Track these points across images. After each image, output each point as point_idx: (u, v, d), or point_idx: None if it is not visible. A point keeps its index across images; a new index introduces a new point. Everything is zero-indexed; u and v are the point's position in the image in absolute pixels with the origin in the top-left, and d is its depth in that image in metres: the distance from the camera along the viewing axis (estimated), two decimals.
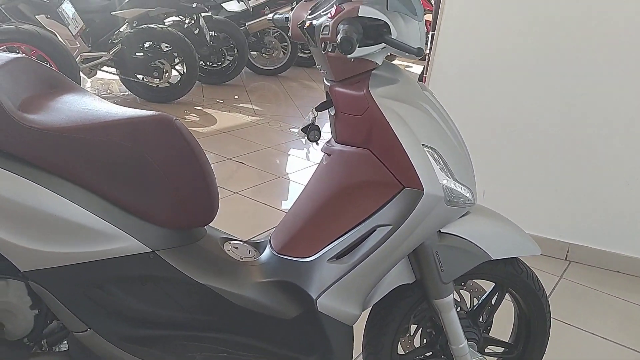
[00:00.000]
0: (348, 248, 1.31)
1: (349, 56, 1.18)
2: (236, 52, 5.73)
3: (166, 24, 5.01)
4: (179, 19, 5.20)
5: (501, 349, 1.67)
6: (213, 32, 5.52)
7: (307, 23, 1.30)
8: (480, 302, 1.57)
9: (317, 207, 1.36)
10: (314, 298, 1.32)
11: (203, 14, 5.09)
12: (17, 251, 1.22)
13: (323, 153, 1.43)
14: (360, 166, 1.29)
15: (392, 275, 1.38)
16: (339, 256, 1.32)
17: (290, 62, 6.72)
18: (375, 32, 1.17)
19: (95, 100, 1.39)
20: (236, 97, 5.55)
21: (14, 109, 1.20)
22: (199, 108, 4.96)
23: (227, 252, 1.47)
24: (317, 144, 1.41)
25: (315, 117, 1.36)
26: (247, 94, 5.76)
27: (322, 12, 1.29)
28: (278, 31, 6.45)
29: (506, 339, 1.68)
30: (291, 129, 4.66)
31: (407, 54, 1.16)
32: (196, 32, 5.12)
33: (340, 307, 1.33)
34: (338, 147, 1.36)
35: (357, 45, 1.13)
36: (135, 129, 1.26)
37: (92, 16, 4.43)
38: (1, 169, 1.18)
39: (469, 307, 1.62)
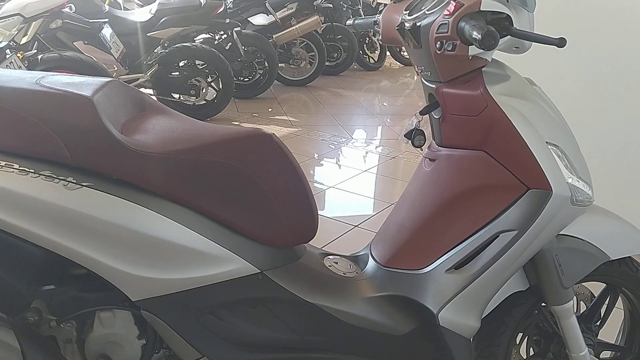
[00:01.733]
0: (468, 257, 1.25)
1: (470, 54, 1.13)
2: (266, 64, 5.70)
3: (196, 41, 5.01)
4: (209, 35, 5.20)
5: (612, 353, 1.59)
6: (243, 47, 5.51)
7: (409, 24, 1.25)
8: (592, 305, 1.50)
9: (426, 215, 1.30)
10: (435, 312, 1.26)
11: (235, 29, 5.08)
12: (129, 280, 1.18)
13: (424, 158, 1.38)
14: (476, 170, 1.23)
15: (507, 283, 1.32)
16: (457, 266, 1.26)
17: (318, 72, 6.69)
18: (498, 25, 1.12)
19: (187, 120, 1.36)
20: (270, 109, 5.52)
21: (120, 134, 1.16)
22: (237, 123, 4.94)
23: (329, 268, 1.41)
24: (422, 149, 1.35)
25: (419, 121, 1.31)
26: (280, 105, 5.73)
27: (428, 10, 1.24)
28: (305, 41, 6.43)
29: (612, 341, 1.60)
30: (329, 138, 4.62)
31: (542, 44, 1.09)
32: (227, 47, 5.11)
33: (462, 319, 1.27)
34: (445, 151, 1.30)
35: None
36: (237, 146, 1.22)
37: (129, 39, 4.44)
38: (113, 195, 1.14)
39: (576, 311, 1.54)
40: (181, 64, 4.69)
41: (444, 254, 1.27)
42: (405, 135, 1.32)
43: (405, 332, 1.32)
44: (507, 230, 1.22)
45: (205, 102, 4.83)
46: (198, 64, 4.76)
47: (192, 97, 4.75)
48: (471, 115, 1.21)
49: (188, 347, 1.25)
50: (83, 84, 1.22)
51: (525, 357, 1.52)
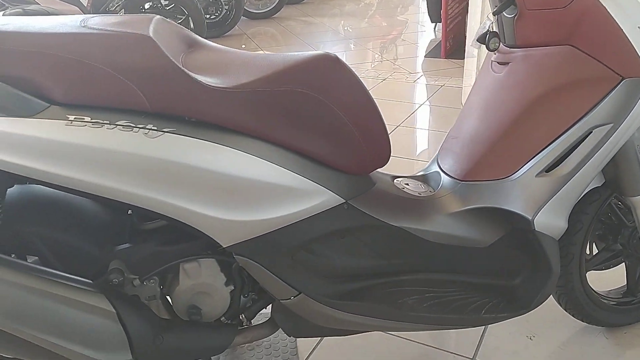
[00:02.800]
0: (558, 158, 1.23)
1: None
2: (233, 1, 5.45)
3: None
4: None
5: None
6: None
7: None
8: None
9: (506, 121, 1.26)
10: (530, 218, 1.24)
11: None
12: (220, 226, 1.11)
13: (492, 63, 1.32)
14: (562, 66, 1.19)
15: None
16: (548, 169, 1.24)
17: (283, 2, 6.45)
18: None
19: (240, 52, 1.26)
20: (243, 46, 5.32)
21: (192, 73, 1.07)
22: None
23: (403, 190, 1.38)
24: (496, 53, 1.30)
25: (492, 23, 1.25)
26: (251, 40, 5.53)
27: None
28: None
29: None
30: None
31: None
32: None
33: (554, 222, 1.26)
34: (520, 52, 1.25)
35: None
36: (307, 73, 1.14)
37: None
38: (196, 139, 1.06)
39: None
40: (147, 6, 4.44)
41: (532, 158, 1.24)
42: (478, 40, 1.26)
43: (491, 243, 1.31)
44: (600, 125, 1.19)
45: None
46: (164, 5, 4.51)
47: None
48: (557, 8, 1.15)
49: (284, 286, 1.21)
50: (131, 23, 1.10)
51: (595, 253, 1.54)
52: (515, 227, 1.28)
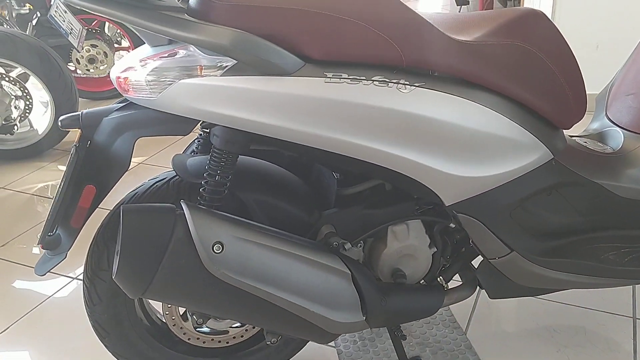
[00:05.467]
0: None
1: None
2: None
3: None
4: None
5: None
6: None
7: None
8: None
9: None
10: None
11: None
12: (449, 182, 1.10)
13: None
14: None
15: None
16: None
17: None
18: None
19: (453, 13, 1.26)
20: None
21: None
22: None
23: (588, 147, 1.38)
24: None
25: None
26: None
27: None
28: None
29: None
30: None
31: None
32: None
33: None
34: None
35: None
36: (523, 27, 1.13)
37: None
38: (444, 93, 1.04)
39: None
40: None
41: None
42: None
43: None
44: None
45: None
46: None
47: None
48: None
49: (498, 245, 1.20)
50: None
51: None
52: None
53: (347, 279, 1.11)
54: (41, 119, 3.07)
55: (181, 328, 1.30)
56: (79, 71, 4.00)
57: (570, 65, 1.19)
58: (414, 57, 1.01)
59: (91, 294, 1.20)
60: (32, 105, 3.04)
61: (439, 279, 1.31)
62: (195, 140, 1.33)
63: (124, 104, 1.11)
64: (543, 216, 1.24)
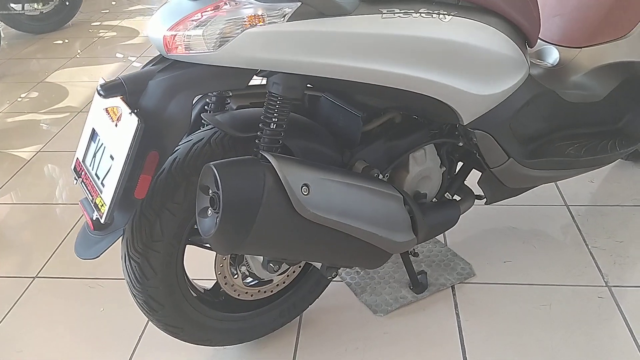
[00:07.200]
0: None
1: None
2: None
3: None
4: None
5: None
6: None
7: None
8: None
9: None
10: None
11: None
12: (470, 101, 1.23)
13: None
14: None
15: None
16: None
17: None
18: None
19: None
20: (114, 3, 4.95)
21: None
22: (97, 24, 4.38)
23: (538, 63, 1.61)
24: None
25: None
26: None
27: None
28: None
29: None
30: None
31: None
32: None
33: None
34: None
35: None
36: None
37: None
38: (468, 19, 1.14)
39: None
40: None
41: None
42: None
43: (605, 95, 1.61)
44: None
45: (54, 7, 4.16)
46: None
47: (39, 4, 4.05)
48: None
49: (500, 154, 1.38)
50: None
51: None
52: (636, 74, 1.58)
53: (400, 203, 1.21)
54: None
55: (232, 285, 1.30)
56: None
57: None
58: None
59: (144, 268, 1.15)
60: None
61: (446, 194, 1.47)
62: (207, 100, 1.31)
63: (165, 64, 1.06)
64: (526, 124, 1.45)
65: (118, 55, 3.67)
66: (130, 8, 4.73)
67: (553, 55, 1.65)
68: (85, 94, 3.09)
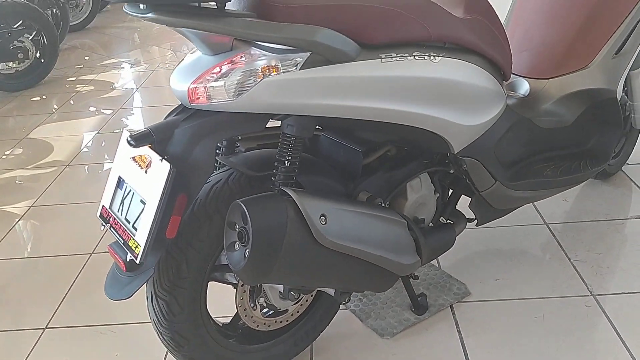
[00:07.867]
0: (624, 40, 1.71)
1: None
2: (57, 12, 5.10)
3: None
4: None
5: None
6: None
7: None
8: None
9: (578, 18, 1.69)
10: (615, 89, 1.72)
11: None
12: (460, 132, 1.36)
13: None
14: None
15: None
16: (618, 50, 1.72)
17: (95, 11, 6.16)
18: None
19: None
20: (87, 58, 5.04)
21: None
22: (73, 79, 4.46)
23: (512, 94, 1.76)
24: None
25: None
26: (92, 51, 5.24)
27: None
28: None
29: None
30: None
31: None
32: None
33: (620, 89, 1.76)
34: None
35: None
36: (478, 4, 1.43)
37: None
38: (454, 59, 1.29)
39: None
40: None
41: (603, 46, 1.70)
42: None
43: (574, 119, 1.77)
44: None
45: (29, 64, 4.23)
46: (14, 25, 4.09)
47: (15, 63, 4.12)
48: None
49: (487, 178, 1.51)
50: None
51: None
52: (599, 100, 1.74)
53: (405, 228, 1.32)
54: None
55: (252, 317, 1.37)
56: None
57: (501, 29, 1.54)
58: (437, 33, 1.25)
59: (171, 305, 1.22)
60: None
61: (441, 218, 1.58)
62: (218, 144, 1.40)
63: (188, 113, 1.16)
64: (507, 150, 1.59)
65: (91, 109, 3.75)
66: (104, 62, 4.83)
67: (524, 87, 1.81)
68: (69, 148, 3.14)
